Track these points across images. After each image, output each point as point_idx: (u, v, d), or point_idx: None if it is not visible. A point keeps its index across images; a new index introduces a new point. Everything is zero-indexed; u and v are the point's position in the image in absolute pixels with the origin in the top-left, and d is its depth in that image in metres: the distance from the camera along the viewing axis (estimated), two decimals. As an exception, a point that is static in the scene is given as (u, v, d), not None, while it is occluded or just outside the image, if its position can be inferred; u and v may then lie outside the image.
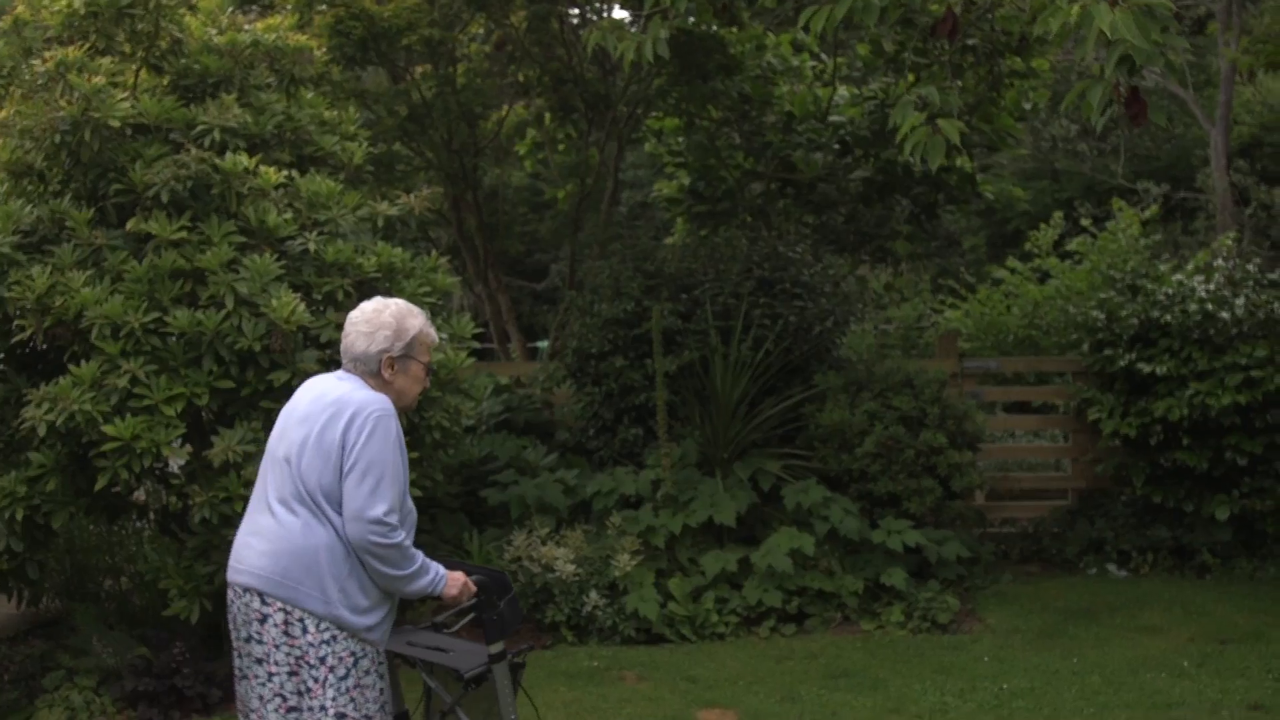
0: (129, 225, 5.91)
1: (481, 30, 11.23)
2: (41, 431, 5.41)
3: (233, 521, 5.57)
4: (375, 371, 3.81)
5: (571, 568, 7.17)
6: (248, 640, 3.70)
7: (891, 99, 9.76)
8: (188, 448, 5.70)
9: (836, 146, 10.90)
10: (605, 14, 11.95)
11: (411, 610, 6.45)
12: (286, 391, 5.69)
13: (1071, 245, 12.44)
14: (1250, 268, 8.96)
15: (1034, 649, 6.82)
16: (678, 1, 6.31)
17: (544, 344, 13.56)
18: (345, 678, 3.65)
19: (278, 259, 5.83)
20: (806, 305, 8.35)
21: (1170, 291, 8.75)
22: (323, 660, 3.63)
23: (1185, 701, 5.88)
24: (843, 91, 11.05)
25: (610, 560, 7.22)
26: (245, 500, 5.45)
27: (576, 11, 12.06)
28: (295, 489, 3.68)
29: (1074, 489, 9.40)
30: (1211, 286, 8.67)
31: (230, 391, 5.75)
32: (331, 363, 5.87)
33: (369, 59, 9.94)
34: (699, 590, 7.32)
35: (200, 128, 6.11)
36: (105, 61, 6.06)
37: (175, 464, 5.98)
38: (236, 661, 3.78)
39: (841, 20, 5.76)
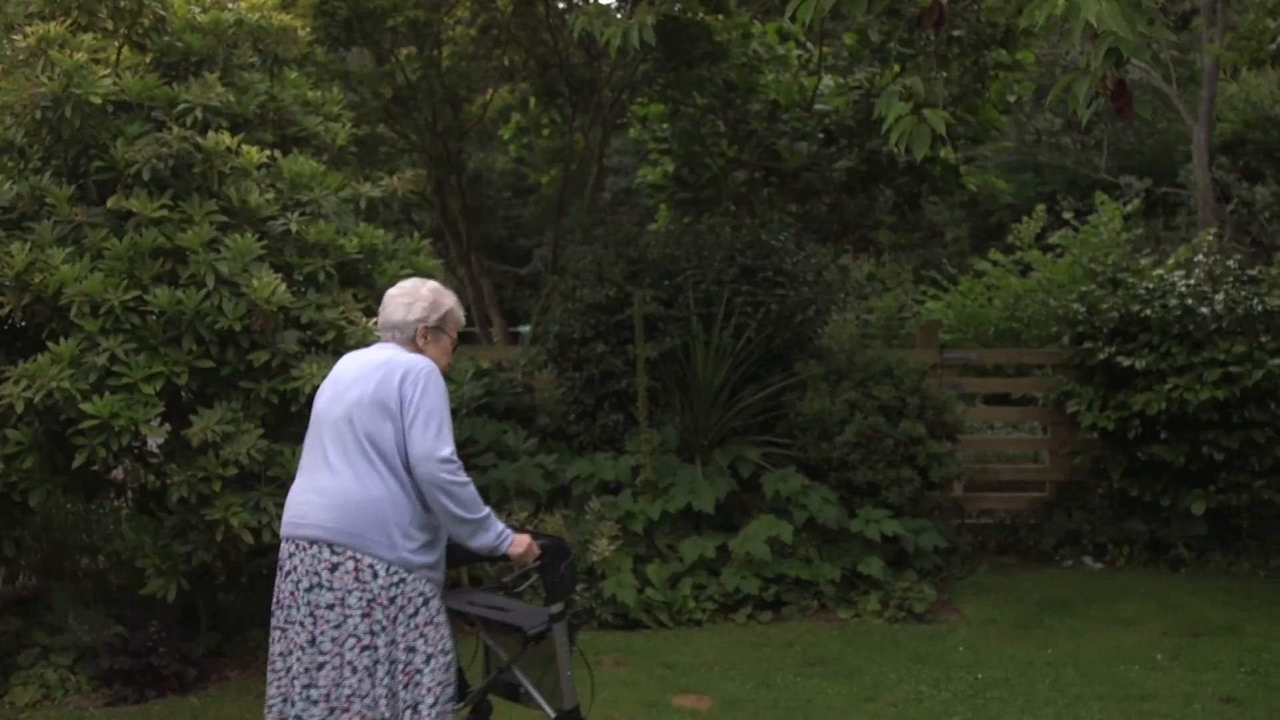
0: (110, 203, 5.88)
1: (467, 13, 11.19)
2: (19, 409, 5.38)
3: (211, 501, 5.58)
4: (411, 339, 4.16)
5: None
6: (311, 589, 3.88)
7: (877, 89, 9.77)
8: (166, 426, 5.69)
9: (821, 136, 10.90)
10: (592, -1, 11.92)
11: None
12: (266, 372, 5.72)
13: (1053, 238, 12.48)
14: (1230, 264, 8.99)
15: (1009, 640, 6.85)
16: (664, -13, 6.30)
17: (526, 328, 13.54)
18: (414, 615, 3.92)
19: (259, 239, 5.81)
20: (788, 294, 8.36)
21: (1150, 286, 8.79)
22: (393, 600, 3.88)
23: (1158, 694, 5.92)
24: (828, 81, 11.05)
25: (589, 545, 7.22)
26: (223, 480, 5.52)
27: (563, -4, 12.03)
28: (359, 445, 3.93)
29: (1052, 481, 9.44)
30: (1191, 282, 8.71)
31: (210, 371, 5.74)
32: (312, 344, 5.87)
33: (354, 40, 9.90)
34: (677, 576, 7.34)
35: (182, 106, 6.08)
36: (87, 38, 6.02)
37: (154, 442, 5.97)
38: (283, 613, 3.95)
39: (828, 10, 5.76)
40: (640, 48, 6.62)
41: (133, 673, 5.88)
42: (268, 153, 6.19)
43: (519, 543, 4.09)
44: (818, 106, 10.83)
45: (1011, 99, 11.04)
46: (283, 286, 5.63)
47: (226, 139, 5.98)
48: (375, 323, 5.82)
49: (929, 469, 7.97)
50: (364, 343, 5.78)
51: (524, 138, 12.46)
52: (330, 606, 3.87)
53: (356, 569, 3.87)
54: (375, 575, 3.87)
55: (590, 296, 8.34)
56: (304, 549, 3.93)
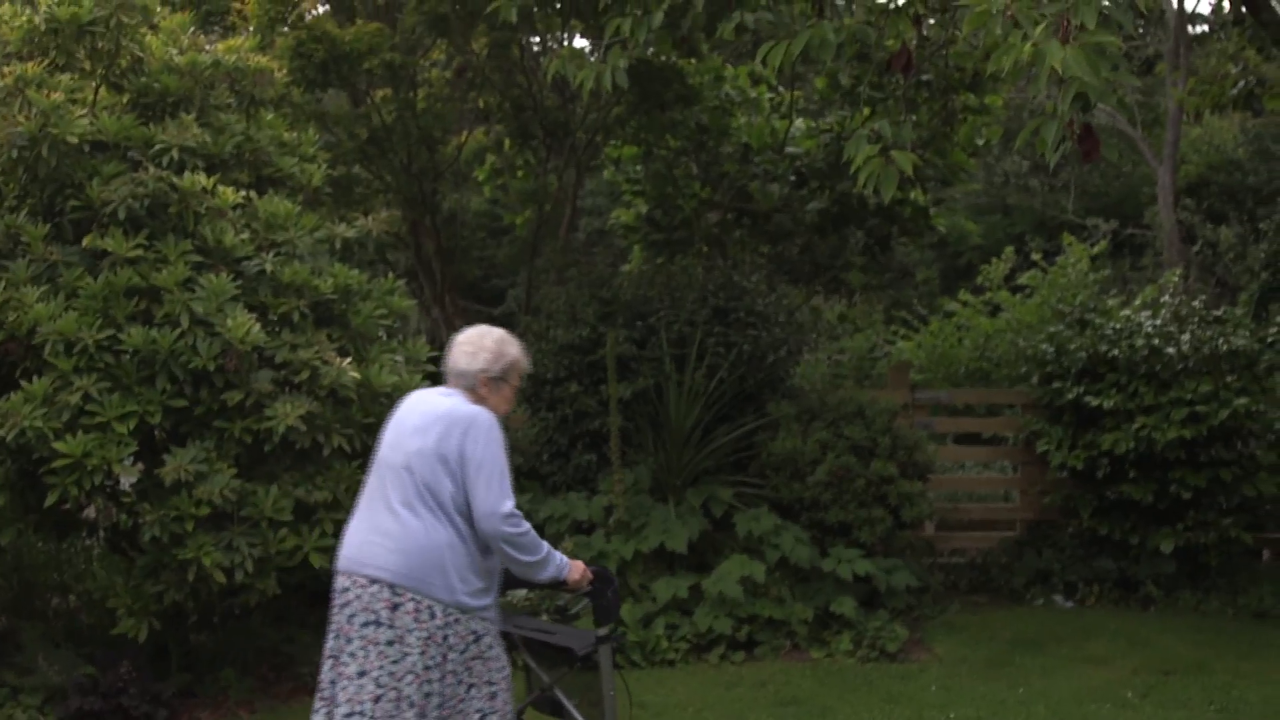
0: (85, 242, 5.90)
1: (443, 56, 11.28)
2: (-8, 447, 5.37)
3: (183, 541, 5.57)
4: (473, 387, 4.36)
5: (523, 592, 7.16)
6: (367, 625, 4.13)
7: (847, 132, 9.88)
8: (139, 466, 5.68)
9: (792, 178, 11.00)
10: (565, 42, 12.02)
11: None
12: (240, 411, 5.73)
13: (1022, 279, 12.60)
14: (1196, 304, 9.10)
15: (981, 678, 6.87)
16: (637, 32, 6.38)
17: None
18: (464, 651, 4.20)
19: (234, 279, 5.83)
20: (760, 334, 8.41)
21: (1118, 326, 8.88)
22: (446, 639, 4.15)
23: (1128, 731, 5.96)
24: (799, 124, 11.16)
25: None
26: (196, 519, 5.52)
27: (537, 39, 12.14)
28: (418, 493, 4.18)
29: (1022, 520, 9.48)
30: (1158, 322, 8.80)
31: (183, 410, 5.74)
32: (286, 383, 5.89)
33: (330, 82, 9.96)
34: (650, 616, 7.34)
35: (159, 146, 6.11)
36: (65, 78, 6.06)
37: (126, 482, 5.95)
38: (335, 643, 4.21)
39: (799, 55, 5.85)
40: (613, 91, 6.70)
41: (102, 713, 5.84)
42: (243, 193, 6.22)
43: (575, 569, 4.38)
44: (789, 149, 10.93)
45: (980, 142, 11.18)
46: (257, 326, 5.65)
47: (202, 179, 6.01)
48: (349, 362, 5.90)
49: (900, 508, 8.02)
50: (338, 383, 5.83)
51: (498, 179, 12.52)
52: (390, 643, 4.11)
53: (416, 610, 4.12)
54: (433, 615, 4.13)
55: (563, 337, 8.37)
56: (363, 586, 4.17)
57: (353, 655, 4.14)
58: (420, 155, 10.82)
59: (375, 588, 4.14)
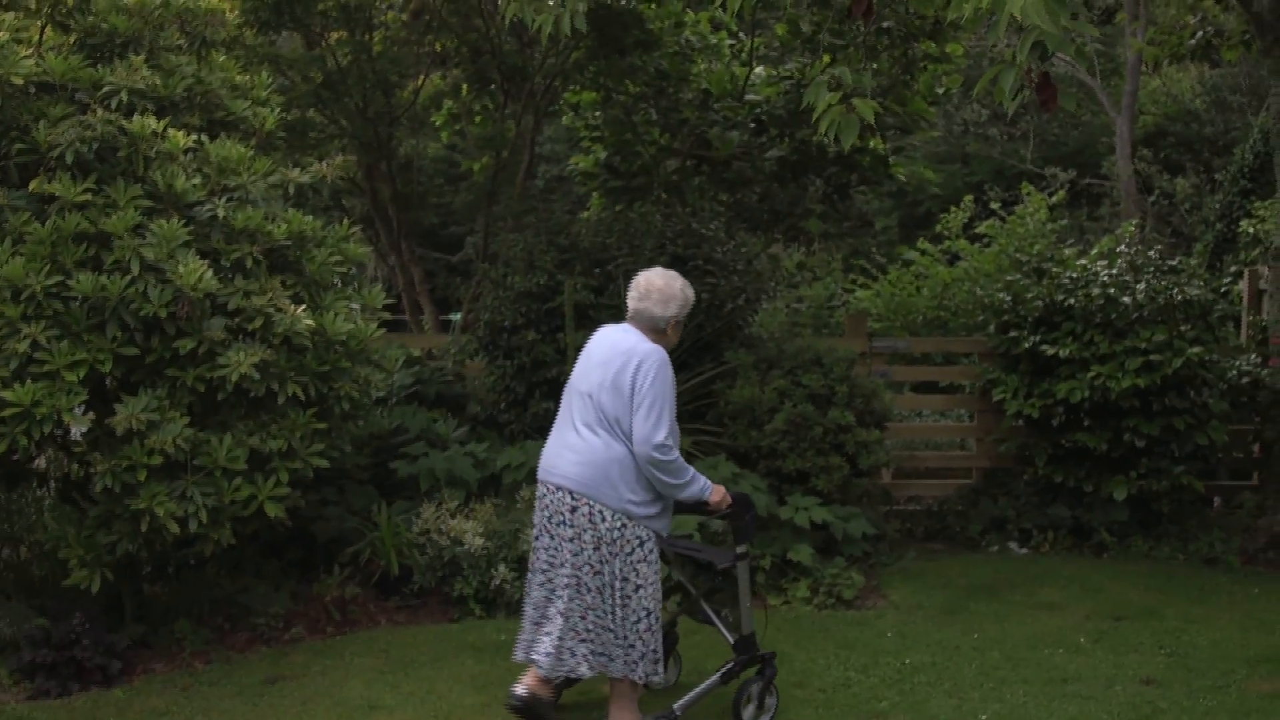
0: (31, 186, 5.77)
1: (399, -2, 11.10)
2: (-62, 396, 5.28)
3: (136, 491, 5.50)
4: (661, 330, 5.19)
5: (480, 541, 7.16)
6: (557, 524, 5.06)
7: (808, 79, 9.82)
8: (90, 415, 5.60)
9: (752, 125, 10.94)
10: (524, -15, 11.85)
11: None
12: (192, 359, 5.65)
13: (981, 228, 12.65)
14: (1151, 254, 9.15)
15: (936, 625, 6.93)
16: (596, -25, 6.29)
17: (457, 316, 13.49)
18: (630, 554, 5.01)
19: (185, 224, 5.73)
20: (719, 282, 8.39)
21: (1074, 276, 8.93)
22: (614, 541, 4.99)
23: (1081, 676, 6.02)
24: (759, 71, 11.09)
25: (519, 534, 7.21)
26: (148, 469, 5.46)
27: (495, -18, 11.97)
28: (598, 417, 5.02)
29: (978, 468, 9.56)
30: (1114, 272, 8.85)
31: (135, 358, 5.66)
32: (239, 331, 5.82)
33: (283, 23, 9.78)
34: (607, 564, 7.34)
35: (107, 88, 5.99)
36: (9, 17, 5.93)
37: (77, 431, 5.88)
38: (540, 540, 5.14)
39: (758, 0, 5.79)
40: (572, 35, 6.62)
41: (55, 666, 5.79)
42: (194, 137, 6.10)
43: (716, 492, 5.19)
44: (749, 96, 10.87)
45: (940, 91, 11.16)
46: (209, 273, 5.56)
47: (152, 122, 5.90)
48: (304, 310, 5.83)
49: (857, 456, 8.04)
50: (292, 331, 5.76)
51: (456, 124, 12.39)
52: (571, 539, 5.02)
53: (590, 513, 4.99)
54: (603, 519, 4.98)
55: (521, 284, 8.32)
56: (552, 491, 5.09)
57: (546, 547, 5.10)
58: (376, 99, 10.67)
59: (560, 493, 5.04)
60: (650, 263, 8.19)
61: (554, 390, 8.23)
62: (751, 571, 5.41)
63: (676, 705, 5.24)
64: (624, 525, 4.99)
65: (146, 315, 5.55)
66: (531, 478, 7.67)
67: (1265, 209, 11.69)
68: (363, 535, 7.26)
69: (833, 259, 15.98)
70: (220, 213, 5.88)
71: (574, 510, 5.02)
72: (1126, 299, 8.47)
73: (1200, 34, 10.12)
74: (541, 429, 8.18)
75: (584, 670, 5.07)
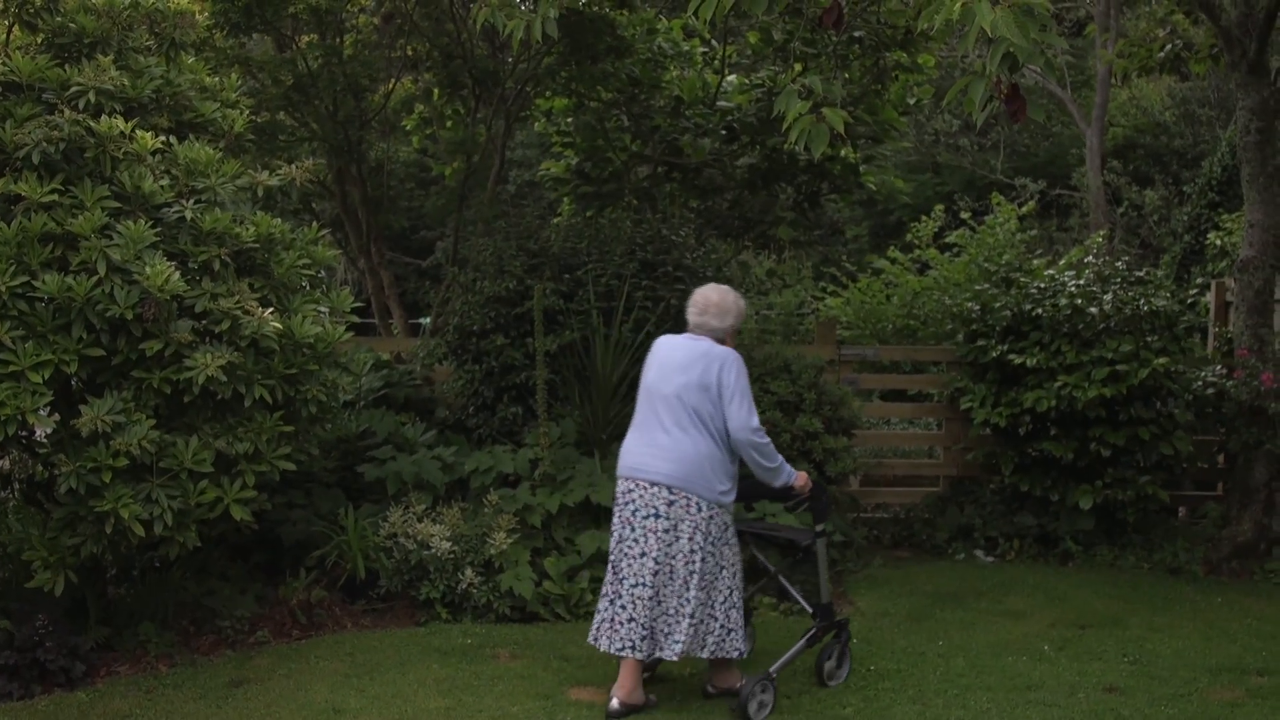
0: (-3, 186, 5.74)
1: (371, 2, 11.09)
2: (-100, 396, 5.23)
3: (101, 493, 5.47)
4: (720, 339, 5.71)
5: (447, 545, 7.15)
6: (648, 517, 5.52)
7: (779, 87, 9.86)
8: (55, 416, 5.57)
9: (723, 132, 10.97)
10: (496, -10, 11.85)
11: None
12: (159, 361, 5.62)
13: (951, 238, 12.70)
14: (1119, 265, 9.21)
15: (902, 632, 6.96)
16: (568, -19, 6.30)
17: (427, 320, 13.46)
18: (718, 538, 5.57)
19: (153, 226, 5.71)
20: (688, 288, 8.36)
21: (1042, 286, 8.98)
22: (708, 529, 5.52)
23: (1044, 684, 6.06)
24: (731, 79, 11.13)
25: (486, 538, 7.21)
26: (114, 471, 5.43)
27: (467, -14, 11.97)
28: (688, 416, 5.50)
29: (945, 476, 9.60)
30: (1081, 282, 8.90)
31: (100, 360, 5.63)
32: (206, 333, 5.80)
33: (254, 26, 9.76)
34: (574, 570, 7.34)
35: (75, 89, 5.96)
36: (-24, 17, 5.88)
37: (42, 432, 5.84)
38: (619, 532, 5.60)
39: (730, 8, 5.81)
40: (544, 41, 6.62)
41: (18, 668, 5.75)
42: (162, 138, 6.08)
43: (800, 477, 5.74)
44: (720, 103, 10.90)
45: (911, 100, 11.22)
46: (176, 275, 5.54)
47: (120, 123, 5.87)
48: (271, 313, 5.81)
49: (825, 463, 8.07)
50: (259, 334, 5.75)
51: (427, 129, 12.38)
52: (665, 530, 5.49)
53: (687, 504, 5.48)
54: (700, 509, 5.49)
55: (490, 289, 8.31)
56: (645, 487, 5.54)
57: (635, 541, 5.55)
58: (346, 103, 10.65)
59: (655, 489, 5.50)
60: (620, 268, 8.25)
61: (522, 395, 8.24)
62: (828, 546, 6.15)
63: (772, 668, 5.76)
64: (715, 514, 5.53)
65: (113, 316, 5.52)
66: (498, 482, 7.73)
67: (1232, 222, 11.78)
68: (329, 539, 7.24)
69: (803, 267, 16.03)
70: (188, 215, 5.86)
71: (670, 504, 5.49)
72: (1094, 309, 8.53)
73: (1169, 47, 10.20)
74: (510, 433, 8.20)
75: (674, 652, 5.51)
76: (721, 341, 5.69)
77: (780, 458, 5.63)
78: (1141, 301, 8.58)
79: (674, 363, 5.61)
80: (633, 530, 5.57)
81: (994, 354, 8.83)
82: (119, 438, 5.45)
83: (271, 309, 5.92)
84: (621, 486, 5.65)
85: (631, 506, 5.58)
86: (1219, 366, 8.90)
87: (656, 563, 5.49)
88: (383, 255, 11.68)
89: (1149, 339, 8.48)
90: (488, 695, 5.85)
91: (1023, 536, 8.81)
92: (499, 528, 7.25)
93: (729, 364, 5.53)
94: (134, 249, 5.58)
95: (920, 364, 10.70)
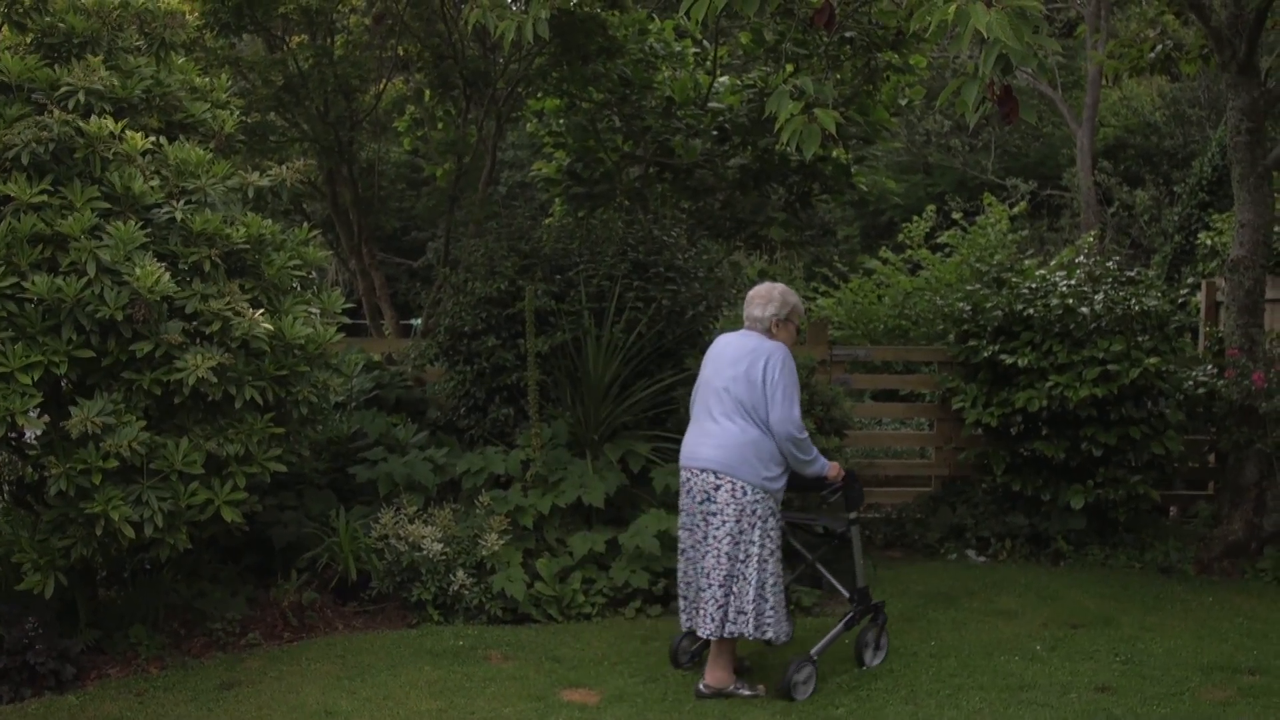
0: (-14, 187, 5.71)
1: (362, 2, 11.07)
2: (-111, 398, 5.21)
3: (91, 494, 5.45)
4: (767, 330, 5.95)
5: (439, 546, 7.14)
6: (702, 502, 5.83)
7: (771, 88, 9.86)
8: (45, 417, 5.55)
9: (715, 133, 10.97)
10: (487, -10, 11.84)
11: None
12: (149, 362, 5.60)
13: (943, 238, 12.71)
14: (1110, 265, 9.22)
15: (894, 632, 6.95)
16: (560, -19, 6.29)
17: (418, 321, 13.44)
18: (765, 522, 5.79)
19: (143, 227, 5.69)
20: (680, 289, 8.40)
21: (1033, 286, 8.98)
22: (754, 511, 5.77)
23: (1037, 684, 6.05)
24: (723, 79, 11.13)
25: (478, 540, 7.20)
26: (104, 472, 5.42)
27: (458, -13, 11.95)
28: (735, 406, 5.80)
29: (937, 476, 9.60)
30: (1072, 282, 8.91)
31: (90, 361, 5.61)
32: (197, 334, 5.78)
33: (244, 26, 9.74)
34: (566, 571, 7.34)
35: (64, 89, 5.94)
36: (-36, 17, 5.86)
37: (32, 434, 5.82)
38: (686, 518, 5.95)
39: (722, 9, 5.81)
40: (535, 41, 6.61)
41: (7, 671, 5.73)
42: (152, 139, 6.06)
43: (833, 467, 6.04)
44: (712, 104, 10.90)
45: (903, 101, 11.22)
46: (166, 276, 5.52)
47: (110, 124, 5.85)
48: (262, 314, 5.80)
49: (817, 464, 8.04)
50: (250, 335, 5.73)
51: (418, 129, 12.36)
52: (715, 514, 5.78)
53: (732, 489, 5.75)
54: (745, 493, 5.74)
55: (482, 290, 8.30)
56: (696, 474, 5.85)
57: (695, 526, 5.87)
58: (337, 103, 10.63)
59: (705, 474, 5.81)
60: (612, 269, 8.24)
61: (514, 396, 8.22)
62: (860, 532, 6.38)
63: (813, 650, 6.06)
64: (760, 498, 5.76)
65: (103, 318, 5.50)
66: (490, 484, 7.73)
67: (1223, 221, 11.80)
68: (321, 540, 7.22)
69: (795, 267, 16.04)
70: (178, 215, 5.84)
71: (718, 488, 5.77)
72: (1085, 309, 8.53)
73: (1160, 48, 10.20)
74: (502, 434, 8.18)
75: (750, 631, 5.77)
76: (770, 334, 5.94)
77: (815, 450, 5.90)
78: (1132, 301, 8.59)
79: (726, 357, 5.92)
80: (691, 516, 5.91)
81: (985, 354, 8.83)
82: (109, 439, 5.43)
83: (262, 310, 5.90)
84: (681, 475, 6.00)
85: (690, 494, 5.92)
86: (1210, 366, 8.91)
87: (708, 544, 5.81)
88: (374, 256, 11.66)
89: (1140, 339, 8.49)
90: (480, 697, 5.84)
91: (1014, 536, 8.81)
92: (491, 529, 7.24)
93: (775, 358, 5.79)
94: (124, 250, 5.56)
95: (912, 364, 10.71)
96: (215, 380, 5.63)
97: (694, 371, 8.24)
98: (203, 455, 5.73)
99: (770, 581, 5.80)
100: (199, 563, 6.99)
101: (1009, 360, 8.65)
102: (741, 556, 5.76)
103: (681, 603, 6.02)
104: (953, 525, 8.99)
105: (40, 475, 5.75)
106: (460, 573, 7.09)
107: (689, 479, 5.92)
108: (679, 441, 8.09)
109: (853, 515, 6.25)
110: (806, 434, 5.83)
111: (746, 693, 5.87)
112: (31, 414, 5.40)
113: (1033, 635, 6.91)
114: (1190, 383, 8.72)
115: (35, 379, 5.38)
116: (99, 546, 5.72)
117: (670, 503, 7.63)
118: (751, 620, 5.76)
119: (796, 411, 5.77)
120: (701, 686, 5.87)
